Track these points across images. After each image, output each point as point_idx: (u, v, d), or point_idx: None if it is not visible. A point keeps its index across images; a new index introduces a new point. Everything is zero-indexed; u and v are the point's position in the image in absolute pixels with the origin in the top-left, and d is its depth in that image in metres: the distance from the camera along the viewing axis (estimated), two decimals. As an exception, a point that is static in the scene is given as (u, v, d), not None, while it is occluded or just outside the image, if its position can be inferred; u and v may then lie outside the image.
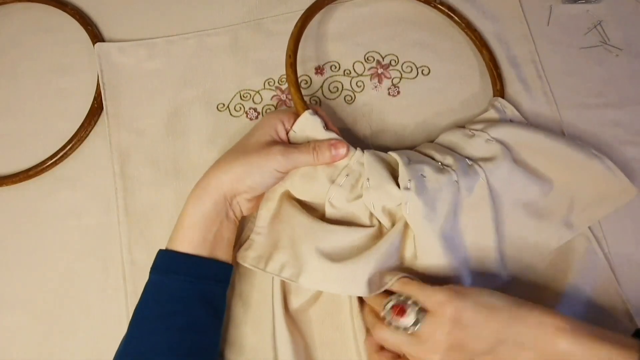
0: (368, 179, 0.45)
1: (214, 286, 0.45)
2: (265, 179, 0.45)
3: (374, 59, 0.58)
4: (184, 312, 0.43)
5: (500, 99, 0.54)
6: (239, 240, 0.50)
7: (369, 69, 0.58)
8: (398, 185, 0.45)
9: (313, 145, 0.46)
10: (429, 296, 0.40)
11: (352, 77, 0.58)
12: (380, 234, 0.47)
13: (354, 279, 0.43)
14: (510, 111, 0.54)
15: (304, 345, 0.47)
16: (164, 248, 0.45)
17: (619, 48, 0.58)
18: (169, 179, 0.54)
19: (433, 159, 0.48)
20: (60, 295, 0.52)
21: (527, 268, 0.49)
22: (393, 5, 0.60)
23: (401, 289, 0.42)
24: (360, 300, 0.47)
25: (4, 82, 0.60)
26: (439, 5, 0.58)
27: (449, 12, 0.58)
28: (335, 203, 0.47)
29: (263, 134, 0.47)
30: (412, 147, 0.52)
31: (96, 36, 0.59)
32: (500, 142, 0.49)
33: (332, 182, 0.47)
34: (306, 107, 0.48)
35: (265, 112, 0.57)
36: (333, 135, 0.47)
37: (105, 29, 0.61)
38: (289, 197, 0.49)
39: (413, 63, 0.58)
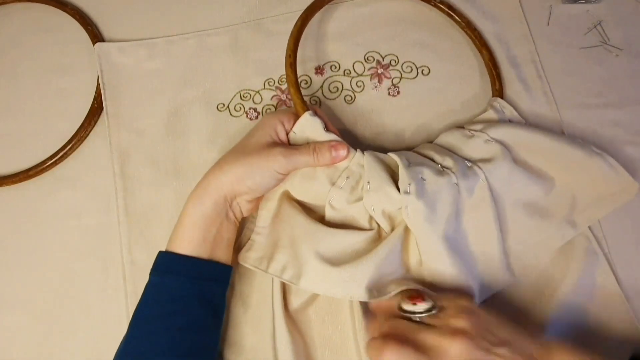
0: (368, 182, 0.45)
1: (214, 287, 0.45)
2: (265, 180, 0.45)
3: (374, 59, 0.58)
4: (184, 312, 0.43)
5: (499, 99, 0.54)
6: (239, 240, 0.50)
7: (369, 69, 0.58)
8: (398, 188, 0.44)
9: (313, 147, 0.46)
10: (444, 296, 0.41)
11: (352, 77, 0.58)
12: (379, 237, 0.47)
13: (353, 283, 0.43)
14: (509, 111, 0.54)
15: (304, 345, 0.47)
16: (163, 248, 0.45)
17: (619, 48, 0.58)
18: (169, 179, 0.54)
19: (432, 160, 0.48)
20: (60, 295, 0.52)
21: (530, 268, 0.49)
22: (393, 5, 0.60)
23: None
24: (364, 305, 0.47)
25: (4, 82, 0.60)
26: (439, 4, 0.58)
27: (449, 12, 0.58)
28: (336, 205, 0.47)
29: (263, 135, 0.47)
30: (411, 148, 0.52)
31: (96, 36, 0.59)
32: (500, 143, 0.49)
33: (332, 183, 0.47)
34: (306, 107, 0.48)
35: (265, 112, 0.57)
36: (333, 136, 0.47)
37: (105, 29, 0.61)
38: (289, 197, 0.49)
39: (413, 63, 0.58)
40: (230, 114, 0.57)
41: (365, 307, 0.47)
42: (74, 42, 0.60)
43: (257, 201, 0.48)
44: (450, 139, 0.51)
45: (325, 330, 0.48)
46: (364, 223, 0.47)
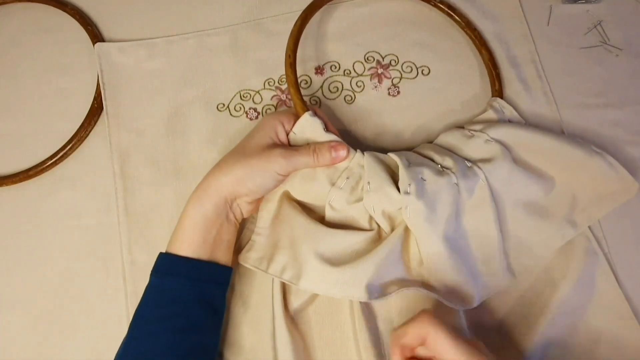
0: (369, 182, 0.45)
1: (214, 288, 0.45)
2: (266, 181, 0.45)
3: (374, 59, 0.58)
4: (184, 313, 0.43)
5: (498, 99, 0.54)
6: (239, 241, 0.50)
7: (369, 69, 0.58)
8: (398, 188, 0.44)
9: (313, 148, 0.46)
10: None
11: (352, 77, 0.58)
12: (379, 238, 0.47)
13: (353, 283, 0.43)
14: (509, 111, 0.54)
15: (304, 345, 0.47)
16: (163, 248, 0.45)
17: (619, 48, 0.58)
18: (169, 179, 0.54)
19: (432, 160, 0.48)
20: (60, 295, 0.52)
21: (530, 268, 0.49)
22: (393, 5, 0.60)
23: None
24: (364, 305, 0.47)
25: (4, 82, 0.60)
26: (439, 4, 0.58)
27: (449, 11, 0.58)
28: (336, 205, 0.47)
29: (263, 136, 0.47)
30: (411, 148, 0.52)
31: (96, 36, 0.59)
32: (500, 143, 0.49)
33: (332, 184, 0.47)
34: (306, 108, 0.48)
35: (265, 112, 0.57)
36: (333, 137, 0.47)
37: (105, 29, 0.61)
38: (289, 198, 0.49)
39: (413, 63, 0.58)
40: (230, 114, 0.57)
41: (365, 308, 0.47)
42: (74, 42, 0.60)
43: (258, 202, 0.48)
44: (450, 139, 0.51)
45: (325, 330, 0.48)
46: (364, 223, 0.47)
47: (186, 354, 0.42)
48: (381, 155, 0.48)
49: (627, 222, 0.52)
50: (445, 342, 0.37)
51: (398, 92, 0.57)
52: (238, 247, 0.49)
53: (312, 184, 0.47)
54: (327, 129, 0.48)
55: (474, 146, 0.49)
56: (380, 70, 0.58)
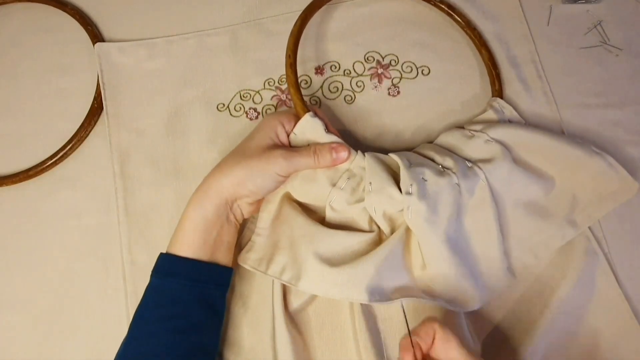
0: (370, 182, 0.45)
1: (214, 289, 0.45)
2: (266, 182, 0.45)
3: (374, 59, 0.58)
4: (184, 314, 0.43)
5: (498, 100, 0.54)
6: (239, 241, 0.50)
7: (369, 69, 0.58)
8: (400, 189, 0.44)
9: (314, 149, 0.46)
10: None
11: (352, 77, 0.58)
12: (379, 240, 0.47)
13: (352, 284, 0.43)
14: (509, 111, 0.54)
15: (304, 345, 0.47)
16: (163, 248, 0.45)
17: (619, 48, 0.58)
18: (169, 179, 0.54)
19: (433, 160, 0.48)
20: (60, 295, 0.52)
21: (530, 268, 0.49)
22: (393, 5, 0.60)
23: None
24: (364, 306, 0.47)
25: (4, 82, 0.60)
26: (439, 4, 0.58)
27: (449, 11, 0.58)
28: (336, 206, 0.47)
29: (264, 137, 0.47)
30: (411, 148, 0.52)
31: (96, 36, 0.59)
32: (500, 143, 0.49)
33: (333, 185, 0.47)
34: (306, 108, 0.48)
35: (265, 112, 0.57)
36: (334, 138, 0.47)
37: (105, 29, 0.61)
38: (290, 199, 0.49)
39: (413, 63, 0.58)
40: (230, 114, 0.57)
41: (365, 308, 0.47)
42: (74, 42, 0.60)
43: (258, 203, 0.48)
44: (450, 139, 0.51)
45: (325, 330, 0.48)
46: (364, 225, 0.47)
47: (186, 354, 0.42)
48: (382, 156, 0.48)
49: (627, 222, 0.52)
50: (454, 342, 0.38)
51: (398, 92, 0.57)
52: (238, 248, 0.49)
53: (313, 185, 0.47)
54: (327, 130, 0.48)
55: (474, 146, 0.49)
56: (380, 70, 0.58)
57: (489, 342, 0.48)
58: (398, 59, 0.58)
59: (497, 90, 0.55)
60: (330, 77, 0.58)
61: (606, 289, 0.49)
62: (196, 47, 0.59)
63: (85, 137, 0.57)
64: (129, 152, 0.55)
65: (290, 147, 0.48)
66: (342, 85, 0.57)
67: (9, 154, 0.57)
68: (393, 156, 0.47)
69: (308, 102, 0.56)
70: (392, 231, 0.46)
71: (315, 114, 0.48)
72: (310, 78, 0.58)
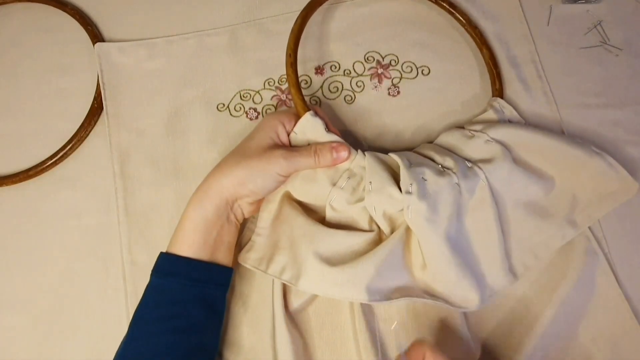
0: (370, 182, 0.45)
1: (214, 289, 0.45)
2: (267, 182, 0.45)
3: (374, 59, 0.58)
4: (184, 314, 0.43)
5: (499, 99, 0.54)
6: (239, 241, 0.50)
7: (369, 69, 0.58)
8: (400, 188, 0.44)
9: (314, 149, 0.46)
10: None
11: (352, 77, 0.58)
12: (379, 239, 0.47)
13: (352, 284, 0.43)
14: (509, 111, 0.54)
15: (304, 345, 0.47)
16: (163, 248, 0.45)
17: (619, 48, 0.58)
18: (169, 179, 0.54)
19: (433, 160, 0.48)
20: (60, 295, 0.52)
21: (531, 268, 0.49)
22: (393, 5, 0.60)
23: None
24: (364, 306, 0.47)
25: (4, 82, 0.60)
26: (440, 2, 0.58)
27: (450, 9, 0.57)
28: (336, 206, 0.47)
29: (264, 137, 0.47)
30: (411, 148, 0.52)
31: (96, 36, 0.59)
32: (500, 143, 0.49)
33: (333, 184, 0.47)
34: (307, 108, 0.48)
35: (265, 112, 0.57)
36: (334, 137, 0.47)
37: (105, 29, 0.61)
38: (290, 198, 0.49)
39: (413, 63, 0.58)
40: (230, 114, 0.57)
41: (365, 308, 0.47)
42: (74, 42, 0.60)
43: (259, 203, 0.48)
44: (451, 139, 0.51)
45: (325, 330, 0.48)
46: (364, 225, 0.47)
47: (186, 354, 0.42)
48: (382, 156, 0.48)
49: (627, 222, 0.52)
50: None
51: (398, 92, 0.57)
52: (238, 247, 0.49)
53: (313, 184, 0.47)
54: (328, 129, 0.48)
55: (474, 146, 0.49)
56: (380, 70, 0.58)
57: (489, 342, 0.48)
58: (398, 59, 0.58)
59: (498, 89, 0.55)
60: (330, 77, 0.58)
61: (606, 289, 0.49)
62: (196, 47, 0.59)
63: (85, 137, 0.57)
64: (129, 152, 0.55)
65: (290, 147, 0.48)
66: (342, 85, 0.57)
67: (9, 154, 0.57)
68: (393, 156, 0.47)
69: (308, 102, 0.56)
70: (392, 231, 0.46)
71: (316, 113, 0.48)
72: (310, 78, 0.58)
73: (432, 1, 0.58)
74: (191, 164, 0.55)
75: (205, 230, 0.44)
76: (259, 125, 0.48)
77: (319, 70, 0.58)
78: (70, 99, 0.58)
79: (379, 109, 0.56)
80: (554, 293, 0.48)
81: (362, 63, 0.58)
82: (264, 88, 0.57)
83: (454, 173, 0.46)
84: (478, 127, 0.50)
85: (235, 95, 0.57)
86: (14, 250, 0.54)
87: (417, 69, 0.58)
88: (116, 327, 0.50)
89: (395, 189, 0.44)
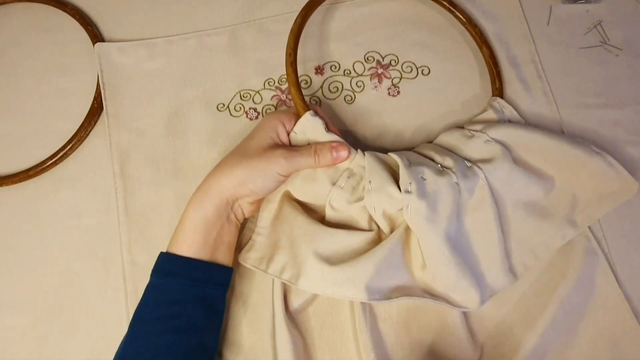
0: (370, 181, 0.45)
1: (214, 289, 0.45)
2: (267, 182, 0.45)
3: (374, 59, 0.58)
4: (184, 314, 0.43)
5: (499, 99, 0.54)
6: (239, 241, 0.50)
7: (369, 69, 0.58)
8: (399, 188, 0.44)
9: (314, 148, 0.46)
10: None
11: (352, 77, 0.58)
12: (379, 239, 0.47)
13: (352, 283, 0.43)
14: (509, 111, 0.54)
15: (304, 345, 0.47)
16: (163, 248, 0.45)
17: (619, 48, 0.58)
18: (169, 179, 0.54)
19: (432, 160, 0.48)
20: (60, 295, 0.52)
21: (531, 268, 0.49)
22: (393, 5, 0.60)
23: None
24: (364, 306, 0.47)
25: (4, 82, 0.60)
26: (440, 0, 0.58)
27: (450, 7, 0.57)
28: (336, 205, 0.47)
29: (264, 137, 0.47)
30: (411, 148, 0.52)
31: (96, 36, 0.59)
32: (500, 143, 0.49)
33: (333, 184, 0.47)
34: (307, 107, 0.48)
35: (265, 112, 0.57)
36: (334, 137, 0.47)
37: (105, 29, 0.61)
38: (290, 198, 0.49)
39: (413, 63, 0.58)
40: (230, 114, 0.57)
41: (365, 308, 0.47)
42: (74, 42, 0.60)
43: (259, 203, 0.48)
44: (450, 139, 0.51)
45: (326, 330, 0.48)
46: (364, 224, 0.47)
47: (186, 354, 0.42)
48: (382, 155, 0.48)
49: (627, 222, 0.52)
50: None
51: (398, 92, 0.57)
52: (238, 247, 0.49)
53: (313, 184, 0.47)
54: (328, 129, 0.48)
55: (474, 146, 0.49)
56: (380, 70, 0.58)
57: (489, 343, 0.48)
58: (398, 59, 0.58)
59: (498, 88, 0.55)
60: (330, 77, 0.58)
61: (606, 289, 0.49)
62: (196, 47, 0.59)
63: (85, 137, 0.57)
64: (129, 152, 0.55)
65: (290, 147, 0.48)
66: (342, 85, 0.57)
67: (9, 154, 0.57)
68: (393, 155, 0.47)
69: (308, 102, 0.56)
70: (392, 230, 0.46)
71: (316, 113, 0.48)
72: (310, 78, 0.58)
73: (432, 0, 0.58)
74: (191, 164, 0.55)
75: (205, 230, 0.44)
76: (259, 125, 0.48)
77: (319, 70, 0.58)
78: (70, 99, 0.58)
79: (379, 109, 0.56)
80: (554, 293, 0.48)
81: (362, 63, 0.58)
82: (264, 88, 0.57)
83: (454, 172, 0.46)
84: (478, 127, 0.50)
85: (235, 95, 0.57)
86: (14, 250, 0.54)
87: (417, 69, 0.58)
88: (116, 327, 0.50)
89: (394, 188, 0.44)
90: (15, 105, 0.59)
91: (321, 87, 0.57)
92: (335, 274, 0.43)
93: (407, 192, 0.44)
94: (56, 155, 0.55)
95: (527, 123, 0.54)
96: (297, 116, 0.48)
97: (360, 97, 0.57)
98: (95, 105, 0.57)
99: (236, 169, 0.45)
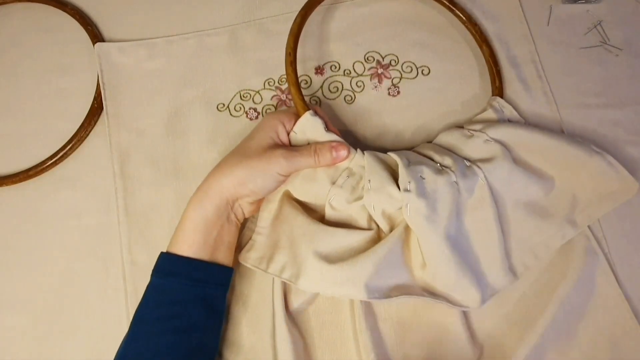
0: (369, 180, 0.45)
1: (214, 289, 0.45)
2: (267, 182, 0.45)
3: (374, 59, 0.58)
4: (185, 314, 0.43)
5: (498, 99, 0.54)
6: (239, 241, 0.50)
7: (369, 69, 0.58)
8: (399, 187, 0.44)
9: (314, 148, 0.46)
10: None
11: (352, 77, 0.58)
12: (378, 238, 0.47)
13: (352, 282, 0.43)
14: (509, 111, 0.54)
15: (304, 344, 0.47)
16: (163, 248, 0.45)
17: (619, 48, 0.58)
18: (169, 179, 0.54)
19: (432, 159, 0.48)
20: (60, 295, 0.52)
21: (531, 268, 0.49)
22: (393, 5, 0.60)
23: None
24: (365, 305, 0.47)
25: (4, 82, 0.60)
26: None
27: (450, 6, 0.57)
28: (335, 204, 0.47)
29: (264, 137, 0.47)
30: (411, 148, 0.52)
31: (96, 36, 0.59)
32: (499, 142, 0.49)
33: (333, 183, 0.47)
34: (307, 107, 0.48)
35: (265, 112, 0.57)
36: (334, 136, 0.47)
37: (105, 29, 0.61)
38: (290, 197, 0.49)
39: (413, 63, 0.58)
40: (230, 114, 0.57)
41: (365, 308, 0.47)
42: (74, 42, 0.60)
43: (259, 202, 0.48)
44: (450, 138, 0.51)
45: (326, 330, 0.48)
46: (363, 223, 0.47)
47: (186, 354, 0.42)
48: (381, 155, 0.48)
49: (627, 222, 0.52)
50: None
51: (398, 92, 0.57)
52: (238, 247, 0.49)
53: (313, 183, 0.47)
54: (327, 129, 0.48)
55: (474, 146, 0.49)
56: (380, 70, 0.58)
57: (488, 342, 0.48)
58: (398, 59, 0.58)
59: (498, 87, 0.55)
60: (330, 77, 0.58)
61: (606, 288, 0.49)
62: (196, 47, 0.59)
63: (85, 137, 0.57)
64: (129, 152, 0.55)
65: (290, 147, 0.48)
66: (342, 85, 0.57)
67: (9, 154, 0.57)
68: (392, 155, 0.47)
69: (308, 102, 0.56)
70: (391, 230, 0.46)
71: (315, 113, 0.48)
72: (310, 78, 0.58)
73: None
74: (191, 164, 0.55)
75: (205, 230, 0.44)
76: (259, 125, 0.48)
77: (319, 70, 0.58)
78: (70, 99, 0.58)
79: (379, 109, 0.56)
80: (554, 293, 0.48)
81: (362, 63, 0.58)
82: (264, 88, 0.57)
83: (453, 172, 0.46)
84: (477, 126, 0.50)
85: (235, 95, 0.57)
86: (14, 250, 0.54)
87: (417, 69, 0.58)
88: (116, 327, 0.50)
89: (394, 188, 0.44)
90: (15, 105, 0.59)
91: (321, 87, 0.57)
92: (335, 272, 0.43)
93: (407, 191, 0.44)
94: (56, 155, 0.55)
95: (527, 123, 0.54)
96: (297, 116, 0.48)
97: (360, 97, 0.57)
98: (95, 105, 0.57)
99: (236, 169, 0.45)
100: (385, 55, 0.58)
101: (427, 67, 0.58)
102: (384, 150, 0.48)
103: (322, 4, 0.55)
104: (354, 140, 0.55)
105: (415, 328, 0.48)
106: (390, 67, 0.58)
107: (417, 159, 0.48)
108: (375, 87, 0.57)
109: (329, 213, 0.47)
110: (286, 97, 0.57)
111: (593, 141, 0.53)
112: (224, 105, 0.57)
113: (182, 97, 0.57)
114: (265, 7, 0.60)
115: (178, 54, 0.59)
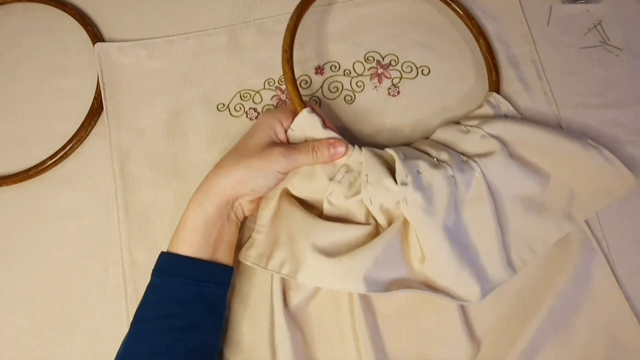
0: (367, 175, 0.45)
1: (215, 289, 0.45)
2: (267, 181, 0.45)
3: (374, 59, 0.58)
4: (185, 314, 0.43)
5: (495, 95, 0.54)
6: (239, 240, 0.50)
7: (369, 69, 0.58)
8: (396, 181, 0.45)
9: (312, 145, 0.46)
10: None
11: (352, 77, 0.58)
12: (376, 232, 0.47)
13: (351, 275, 0.43)
14: (505, 106, 0.54)
15: (303, 341, 0.47)
16: (164, 248, 0.45)
17: (619, 48, 0.58)
18: (169, 179, 0.54)
19: (428, 154, 0.48)
20: (60, 295, 0.52)
21: (528, 262, 0.49)
22: (393, 5, 0.60)
23: None
24: (364, 302, 0.47)
25: (4, 82, 0.60)
26: None
27: (448, 0, 0.57)
28: (334, 200, 0.47)
29: (262, 135, 0.47)
30: (408, 144, 0.52)
31: (96, 36, 0.59)
32: (496, 138, 0.49)
33: (331, 179, 0.47)
34: (304, 104, 0.48)
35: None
36: (331, 133, 0.48)
37: (105, 29, 0.61)
38: (288, 195, 0.49)
39: (413, 63, 0.58)
40: (230, 114, 0.57)
41: (364, 304, 0.47)
42: (74, 42, 0.60)
43: (259, 201, 0.49)
44: (446, 134, 0.51)
45: (325, 326, 0.48)
46: (361, 218, 0.47)
47: (187, 353, 0.42)
48: (378, 150, 0.48)
49: (627, 222, 0.52)
50: None
51: (398, 92, 0.57)
52: (238, 246, 0.49)
53: (311, 180, 0.47)
54: (325, 125, 0.48)
55: (470, 142, 0.49)
56: (380, 70, 0.58)
57: (486, 337, 0.48)
58: (398, 59, 0.58)
59: (495, 81, 0.55)
60: (330, 77, 0.58)
61: (603, 282, 0.49)
62: (196, 47, 0.59)
63: (85, 137, 0.57)
64: (129, 152, 0.55)
65: (288, 144, 0.48)
66: (342, 85, 0.57)
67: (9, 154, 0.57)
68: (389, 150, 0.47)
69: (307, 101, 0.56)
70: (389, 224, 0.46)
71: (313, 110, 0.48)
72: (310, 78, 0.58)
73: None
74: (191, 164, 0.55)
75: (205, 229, 0.44)
76: (257, 124, 0.49)
77: (319, 70, 0.58)
78: (70, 99, 0.58)
79: (379, 109, 0.56)
80: (551, 287, 0.48)
81: (362, 63, 0.58)
82: (264, 88, 0.57)
83: (449, 166, 0.46)
84: (474, 122, 0.50)
85: (235, 95, 0.57)
86: (14, 250, 0.54)
87: (417, 69, 0.58)
88: (116, 327, 0.50)
89: (391, 181, 0.45)
90: (15, 105, 0.59)
91: (321, 87, 0.57)
92: (334, 266, 0.43)
93: (404, 184, 0.44)
94: (56, 155, 0.55)
95: (523, 118, 0.54)
96: (294, 113, 0.48)
97: (360, 97, 0.57)
98: (95, 105, 0.57)
99: (236, 169, 0.45)
100: (385, 55, 0.58)
101: (427, 67, 0.58)
102: (382, 147, 0.49)
103: (320, 3, 0.55)
104: (353, 140, 0.55)
105: (413, 324, 0.48)
106: (390, 67, 0.58)
107: (414, 154, 0.48)
108: (375, 87, 0.57)
109: (327, 209, 0.47)
110: (286, 97, 0.57)
111: (591, 138, 0.53)
112: (224, 105, 0.57)
113: (182, 97, 0.57)
114: (265, 7, 0.60)
115: (178, 54, 0.59)
